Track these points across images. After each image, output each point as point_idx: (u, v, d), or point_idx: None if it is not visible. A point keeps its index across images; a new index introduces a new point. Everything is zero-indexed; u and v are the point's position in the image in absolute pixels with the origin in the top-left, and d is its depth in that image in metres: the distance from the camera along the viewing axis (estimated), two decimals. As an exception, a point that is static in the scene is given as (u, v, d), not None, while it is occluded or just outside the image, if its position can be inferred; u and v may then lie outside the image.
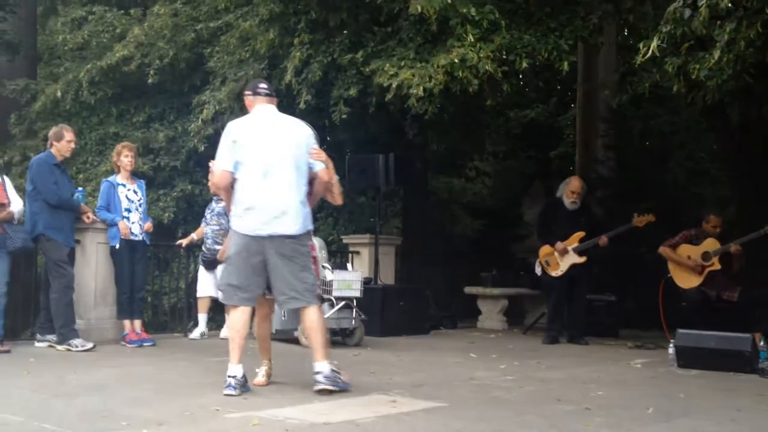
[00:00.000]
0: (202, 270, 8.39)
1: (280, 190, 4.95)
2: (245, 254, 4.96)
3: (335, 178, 5.45)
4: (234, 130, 5.06)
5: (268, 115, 5.17)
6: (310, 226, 5.19)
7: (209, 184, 6.24)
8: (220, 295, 5.33)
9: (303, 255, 5.04)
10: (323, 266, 7.65)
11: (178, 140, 11.94)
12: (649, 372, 6.34)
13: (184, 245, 8.57)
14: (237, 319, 5.01)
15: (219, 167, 5.05)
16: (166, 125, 12.37)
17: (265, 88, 5.25)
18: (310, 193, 5.17)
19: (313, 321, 5.00)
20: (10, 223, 6.86)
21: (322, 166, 5.17)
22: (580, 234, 8.33)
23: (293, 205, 4.97)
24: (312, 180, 5.17)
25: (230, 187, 5.05)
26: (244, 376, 4.92)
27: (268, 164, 4.95)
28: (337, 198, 5.56)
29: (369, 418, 4.27)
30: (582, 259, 8.30)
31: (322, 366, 4.92)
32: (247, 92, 5.33)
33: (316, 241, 7.95)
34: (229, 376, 4.86)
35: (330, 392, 4.84)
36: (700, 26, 5.81)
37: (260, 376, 5.25)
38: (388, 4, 8.44)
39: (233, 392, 4.80)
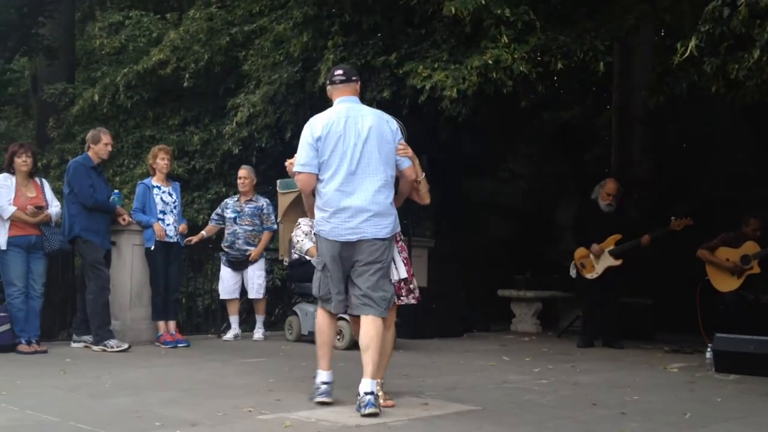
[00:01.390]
0: (226, 271, 8.40)
1: (369, 192, 4.56)
2: (336, 260, 4.61)
3: (422, 176, 4.96)
4: (315, 126, 4.64)
5: (351, 107, 4.70)
6: (398, 228, 4.78)
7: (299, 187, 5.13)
8: (327, 304, 4.74)
9: (387, 261, 4.68)
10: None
11: (212, 143, 12.02)
12: (686, 376, 6.24)
13: (193, 242, 8.34)
14: (321, 323, 4.72)
15: (302, 169, 4.65)
16: (201, 128, 12.46)
17: (340, 74, 4.79)
18: (395, 193, 4.80)
19: (376, 335, 4.52)
20: (47, 225, 6.96)
21: (409, 163, 4.76)
22: (616, 236, 8.23)
23: (383, 208, 4.60)
24: (398, 178, 4.79)
25: (313, 192, 4.71)
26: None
27: (355, 163, 4.56)
28: (424, 197, 5.05)
29: (401, 420, 4.25)
30: (618, 262, 8.20)
31: (373, 385, 4.41)
32: (326, 83, 4.94)
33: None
34: (322, 383, 4.62)
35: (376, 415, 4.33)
36: (739, 25, 5.72)
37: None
38: (421, 6, 8.41)
39: (327, 399, 4.57)
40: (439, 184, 10.65)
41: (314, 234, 4.88)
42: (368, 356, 4.46)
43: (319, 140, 4.58)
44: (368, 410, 4.27)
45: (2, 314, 6.78)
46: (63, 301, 8.27)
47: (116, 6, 15.73)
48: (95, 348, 7.04)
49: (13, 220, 6.77)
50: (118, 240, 7.66)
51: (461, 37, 8.38)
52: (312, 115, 4.88)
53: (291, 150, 5.70)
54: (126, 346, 7.04)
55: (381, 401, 4.52)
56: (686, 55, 6.17)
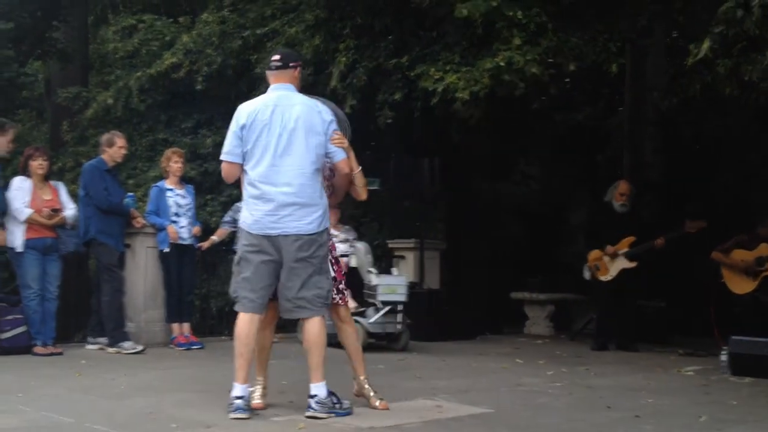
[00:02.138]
0: None
1: (293, 182, 4.32)
2: (259, 254, 4.36)
3: (357, 169, 4.71)
4: (241, 114, 4.44)
5: (282, 95, 4.46)
6: (328, 224, 4.52)
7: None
8: (236, 306, 4.56)
9: (320, 257, 4.41)
10: (368, 270, 7.66)
11: (225, 146, 12.04)
12: (701, 379, 6.22)
13: (204, 248, 8.24)
14: (245, 329, 4.36)
15: (225, 158, 4.45)
16: (214, 131, 12.49)
17: (276, 60, 4.55)
18: (330, 187, 4.68)
19: (317, 335, 4.38)
20: (63, 227, 7.01)
21: (342, 156, 4.50)
22: (631, 238, 8.20)
23: (310, 199, 4.36)
24: (332, 172, 4.62)
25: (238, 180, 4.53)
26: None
27: (279, 152, 4.32)
28: (360, 192, 4.80)
29: (415, 423, 4.26)
30: (632, 264, 8.17)
31: (319, 389, 4.33)
32: (266, 69, 4.75)
33: (361, 245, 7.99)
34: (235, 397, 4.28)
35: (319, 419, 4.23)
36: (753, 27, 5.69)
37: (257, 397, 4.55)
38: (433, 9, 8.43)
39: (242, 415, 4.22)
40: (451, 186, 10.72)
41: (238, 226, 4.69)
42: (311, 359, 4.37)
43: (244, 128, 4.38)
44: (308, 413, 4.25)
45: (18, 316, 6.84)
46: (78, 303, 8.32)
47: (129, 10, 15.81)
48: (110, 350, 7.09)
49: (29, 223, 6.82)
50: (132, 242, 7.70)
51: (473, 39, 8.38)
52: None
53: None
54: (140, 348, 7.08)
55: (373, 401, 4.59)
56: (700, 56, 6.15)
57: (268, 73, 4.61)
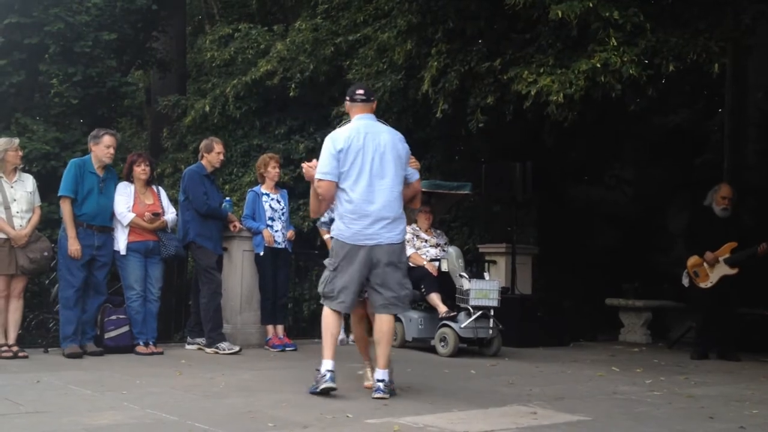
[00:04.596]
0: None
1: (385, 200, 5.05)
2: (350, 262, 5.05)
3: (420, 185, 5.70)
4: (338, 139, 5.12)
5: (369, 124, 5.20)
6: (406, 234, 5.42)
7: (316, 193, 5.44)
8: (323, 300, 5.29)
9: (404, 262, 5.20)
10: (460, 275, 7.63)
11: (317, 151, 12.10)
12: (809, 391, 5.94)
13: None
14: (329, 319, 5.12)
15: (324, 177, 5.09)
16: (306, 137, 12.71)
17: (361, 94, 5.29)
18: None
19: (390, 331, 5.11)
20: (164, 231, 7.23)
21: (418, 176, 5.39)
22: (732, 244, 7.91)
23: (398, 215, 5.12)
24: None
25: (330, 197, 5.17)
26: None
27: (373, 174, 5.05)
28: (417, 203, 5.72)
29: (509, 428, 4.22)
30: (734, 271, 7.88)
31: (385, 374, 5.03)
32: (346, 98, 5.42)
33: (453, 250, 7.96)
34: (327, 370, 5.01)
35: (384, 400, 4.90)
36: None
37: (368, 380, 5.37)
38: (526, 11, 8.33)
39: (332, 384, 4.97)
40: (543, 190, 10.57)
41: (330, 237, 5.37)
42: (381, 349, 5.04)
43: (341, 152, 5.05)
44: (377, 395, 4.92)
45: (122, 316, 7.08)
46: (178, 304, 8.56)
47: (225, 19, 16.25)
48: (208, 350, 7.26)
49: (132, 227, 7.05)
50: (229, 246, 7.88)
51: (567, 41, 8.25)
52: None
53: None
54: (237, 348, 7.23)
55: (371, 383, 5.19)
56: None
57: (352, 104, 5.32)
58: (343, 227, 5.10)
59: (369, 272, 5.07)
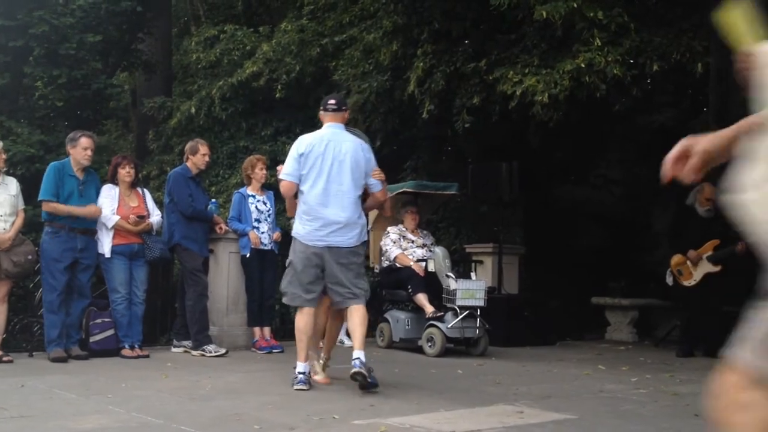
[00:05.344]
0: None
1: (340, 206, 5.32)
2: (306, 261, 5.35)
3: (388, 195, 6.02)
4: (301, 144, 5.41)
5: (335, 132, 5.45)
6: (365, 238, 5.57)
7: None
8: (285, 299, 5.64)
9: (359, 264, 5.45)
10: (447, 275, 7.64)
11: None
12: (794, 388, 5.97)
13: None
14: (303, 322, 5.37)
15: (285, 177, 5.40)
16: (293, 138, 12.62)
17: (333, 104, 5.55)
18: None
19: (363, 316, 5.34)
20: (149, 233, 7.20)
21: (380, 187, 5.62)
22: (715, 242, 7.96)
23: (351, 220, 5.36)
24: (366, 196, 5.60)
25: (294, 196, 5.47)
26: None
27: (330, 180, 5.31)
28: (387, 211, 6.17)
29: (496, 428, 4.22)
30: (717, 268, 7.94)
31: (362, 354, 5.22)
32: (320, 107, 5.66)
33: (439, 250, 7.97)
34: (299, 373, 5.31)
35: (364, 377, 5.11)
36: None
37: (320, 374, 5.63)
38: (511, 12, 8.37)
39: (304, 387, 5.25)
40: (529, 190, 10.60)
41: (292, 235, 5.58)
42: (358, 333, 5.28)
43: (302, 156, 5.36)
44: (355, 369, 5.11)
45: (107, 320, 7.06)
46: (164, 307, 8.53)
47: (211, 21, 16.20)
48: (194, 353, 7.23)
49: (117, 229, 7.03)
50: (215, 248, 7.86)
51: (552, 41, 8.30)
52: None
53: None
54: (223, 351, 7.21)
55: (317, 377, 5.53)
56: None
57: (324, 113, 5.55)
58: (299, 227, 5.41)
59: (322, 272, 5.36)
